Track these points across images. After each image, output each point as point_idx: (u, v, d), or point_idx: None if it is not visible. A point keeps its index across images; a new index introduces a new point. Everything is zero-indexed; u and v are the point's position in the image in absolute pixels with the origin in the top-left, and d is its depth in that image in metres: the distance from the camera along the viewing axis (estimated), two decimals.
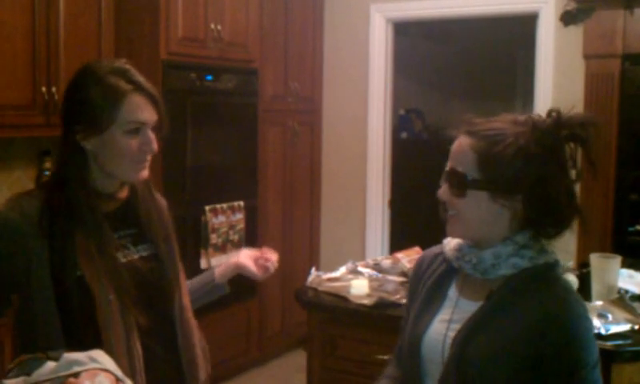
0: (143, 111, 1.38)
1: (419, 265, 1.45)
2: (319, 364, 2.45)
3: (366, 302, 2.33)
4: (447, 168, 1.28)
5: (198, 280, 1.69)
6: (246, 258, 1.69)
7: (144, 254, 1.46)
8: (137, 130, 1.38)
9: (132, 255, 1.44)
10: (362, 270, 2.62)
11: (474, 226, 1.27)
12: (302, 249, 4.39)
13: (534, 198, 1.23)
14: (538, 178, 1.22)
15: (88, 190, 1.39)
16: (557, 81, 3.84)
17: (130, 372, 1.33)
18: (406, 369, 1.36)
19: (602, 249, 3.05)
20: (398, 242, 4.11)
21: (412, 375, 1.33)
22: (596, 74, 3.66)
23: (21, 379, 1.12)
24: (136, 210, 1.47)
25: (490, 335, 1.22)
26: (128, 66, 1.41)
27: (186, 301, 1.52)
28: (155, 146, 1.40)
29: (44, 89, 2.95)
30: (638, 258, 2.76)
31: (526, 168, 1.21)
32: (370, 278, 2.51)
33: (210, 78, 3.54)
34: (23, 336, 1.42)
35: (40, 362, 1.16)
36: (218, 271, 1.70)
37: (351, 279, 2.49)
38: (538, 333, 1.19)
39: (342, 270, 2.64)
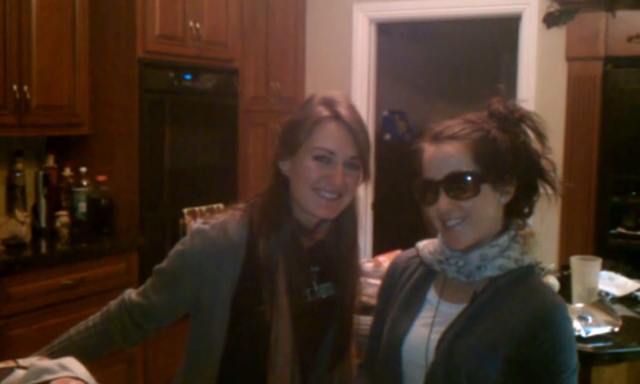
0: (334, 140, 1.33)
1: (393, 270, 1.43)
2: None
3: None
4: (442, 177, 1.23)
5: None
6: None
7: (323, 296, 1.42)
8: (324, 158, 1.33)
9: (317, 294, 1.41)
10: None
11: (484, 226, 1.26)
12: None
13: (525, 176, 1.27)
14: (526, 156, 1.27)
15: (292, 224, 1.36)
16: (539, 83, 3.83)
17: None
18: (382, 374, 1.33)
19: (583, 251, 3.04)
20: (380, 245, 4.07)
21: (391, 380, 1.30)
22: (578, 77, 3.66)
23: None
24: (331, 248, 1.43)
25: (476, 337, 1.20)
26: (341, 98, 1.37)
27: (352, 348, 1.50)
28: (338, 182, 1.33)
29: (15, 87, 2.87)
30: (620, 261, 2.75)
31: (515, 150, 1.25)
32: None
33: (188, 77, 3.47)
34: (189, 354, 1.44)
35: (9, 371, 1.10)
36: None
37: None
38: (526, 335, 1.18)
39: None
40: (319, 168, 1.33)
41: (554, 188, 1.29)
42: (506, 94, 1.32)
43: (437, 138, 1.27)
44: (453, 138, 1.25)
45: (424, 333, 1.27)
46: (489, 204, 1.25)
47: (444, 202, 1.23)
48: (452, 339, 1.22)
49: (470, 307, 1.24)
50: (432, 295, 1.32)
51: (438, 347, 1.23)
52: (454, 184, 1.23)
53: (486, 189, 1.24)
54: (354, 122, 1.34)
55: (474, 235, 1.25)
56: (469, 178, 1.22)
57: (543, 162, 1.29)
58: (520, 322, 1.20)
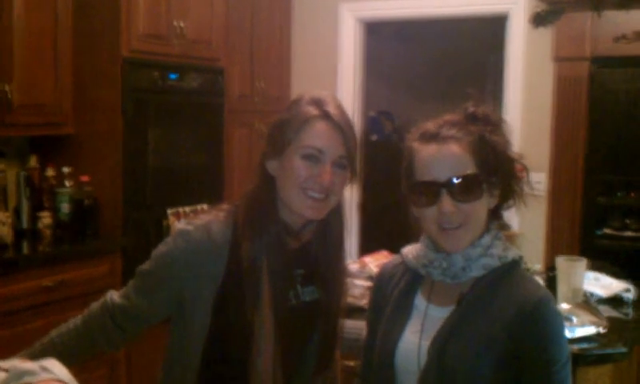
0: (322, 139, 1.32)
1: (380, 279, 1.42)
2: None
3: None
4: (446, 178, 1.22)
5: None
6: None
7: (307, 299, 1.41)
8: (313, 157, 1.31)
9: (301, 297, 1.40)
10: None
11: (477, 229, 1.25)
12: None
13: (507, 175, 1.28)
14: (510, 160, 1.29)
15: (278, 225, 1.34)
16: (526, 83, 3.83)
17: None
18: (377, 383, 1.33)
19: (569, 252, 3.05)
20: (367, 246, 4.06)
21: None
22: (565, 77, 3.67)
23: None
24: (317, 250, 1.41)
25: (466, 338, 1.20)
26: (330, 98, 1.36)
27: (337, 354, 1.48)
28: (326, 182, 1.31)
29: None
30: (606, 261, 2.75)
31: (504, 150, 1.27)
32: None
33: (173, 76, 3.44)
34: (170, 355, 1.42)
35: None
36: None
37: None
38: (515, 330, 1.18)
39: None
40: (307, 167, 1.32)
41: (521, 194, 1.31)
42: (491, 96, 1.33)
43: (434, 138, 1.25)
44: (453, 138, 1.23)
45: (414, 340, 1.26)
46: (484, 207, 1.25)
47: (447, 204, 1.21)
48: (442, 343, 1.21)
49: (457, 309, 1.24)
50: (419, 301, 1.31)
51: (429, 352, 1.22)
52: (459, 187, 1.21)
53: (484, 192, 1.24)
54: (343, 122, 1.34)
55: (469, 238, 1.25)
56: (474, 181, 1.22)
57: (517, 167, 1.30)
58: (507, 317, 1.19)
